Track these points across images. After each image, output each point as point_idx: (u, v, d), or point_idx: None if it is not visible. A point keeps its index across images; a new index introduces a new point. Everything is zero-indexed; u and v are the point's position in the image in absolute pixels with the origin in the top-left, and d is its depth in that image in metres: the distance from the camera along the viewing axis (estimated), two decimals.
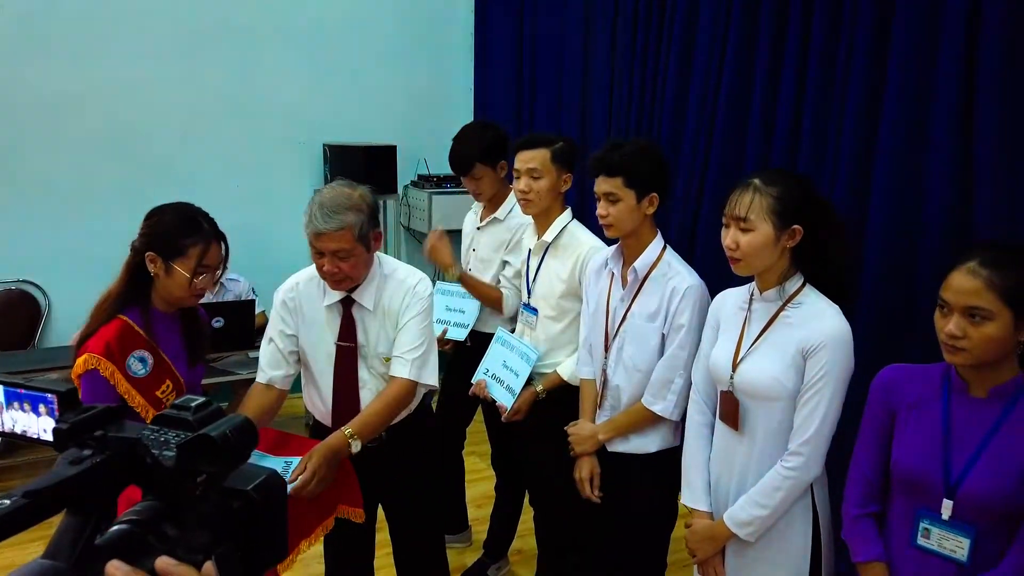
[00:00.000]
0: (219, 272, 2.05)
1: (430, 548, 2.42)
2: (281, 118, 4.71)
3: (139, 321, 1.97)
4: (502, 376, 2.60)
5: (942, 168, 2.41)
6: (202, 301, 2.13)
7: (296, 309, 2.16)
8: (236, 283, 4.12)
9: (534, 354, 2.52)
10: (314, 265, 2.13)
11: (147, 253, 1.95)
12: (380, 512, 2.38)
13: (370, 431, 2.07)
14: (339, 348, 2.13)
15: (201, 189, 4.37)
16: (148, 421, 2.11)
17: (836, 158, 2.77)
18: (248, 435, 0.65)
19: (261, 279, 4.36)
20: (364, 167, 4.45)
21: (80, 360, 1.91)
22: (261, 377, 2.18)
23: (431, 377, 2.16)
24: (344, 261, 2.00)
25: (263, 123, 4.67)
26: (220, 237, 2.03)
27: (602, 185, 2.10)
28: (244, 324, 3.82)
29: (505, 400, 2.55)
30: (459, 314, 2.93)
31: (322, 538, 2.16)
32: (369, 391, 2.15)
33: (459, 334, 2.92)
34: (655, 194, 2.12)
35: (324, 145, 4.71)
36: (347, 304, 2.13)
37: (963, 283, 1.45)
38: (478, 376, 2.69)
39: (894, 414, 1.62)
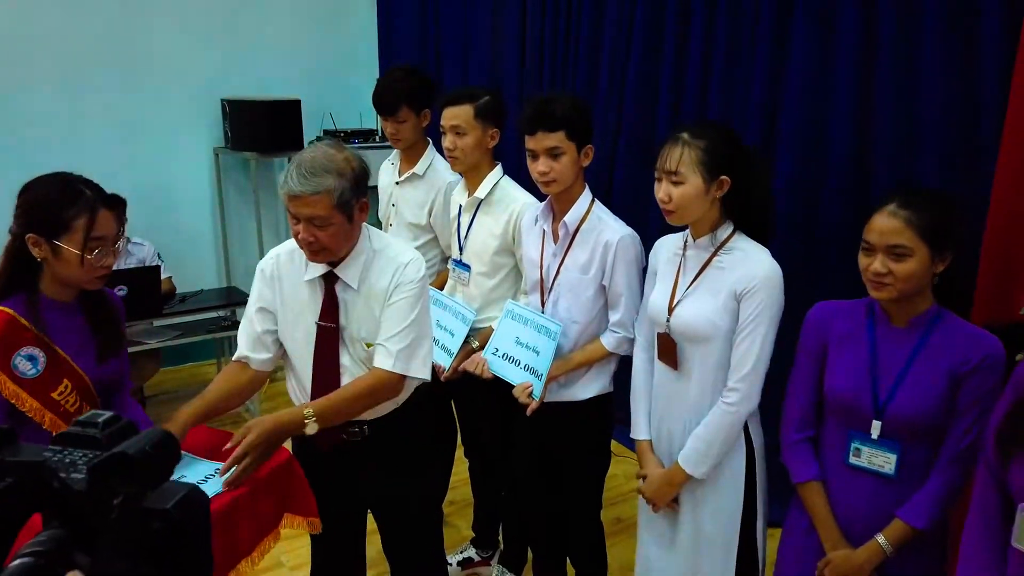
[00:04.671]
0: (118, 245, 1.83)
1: (428, 554, 2.25)
2: (173, 71, 4.43)
3: (25, 312, 1.70)
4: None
5: (844, 116, 2.59)
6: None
7: (275, 281, 1.98)
8: (140, 247, 3.91)
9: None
10: None
11: (27, 235, 1.68)
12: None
13: (332, 415, 1.85)
14: (320, 328, 1.94)
15: (90, 152, 4.11)
16: (45, 426, 1.76)
17: (744, 107, 2.91)
18: (169, 450, 0.60)
19: (164, 243, 4.17)
20: (267, 123, 4.28)
21: None
22: (236, 355, 1.99)
23: (420, 370, 1.93)
24: (321, 230, 1.80)
25: (154, 77, 4.38)
26: (110, 203, 1.76)
27: (544, 141, 2.09)
28: (150, 291, 3.63)
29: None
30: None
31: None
32: (351, 378, 1.94)
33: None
34: (590, 146, 2.16)
35: (222, 100, 4.47)
36: (330, 280, 1.93)
37: (885, 224, 1.61)
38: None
39: (826, 347, 1.77)
